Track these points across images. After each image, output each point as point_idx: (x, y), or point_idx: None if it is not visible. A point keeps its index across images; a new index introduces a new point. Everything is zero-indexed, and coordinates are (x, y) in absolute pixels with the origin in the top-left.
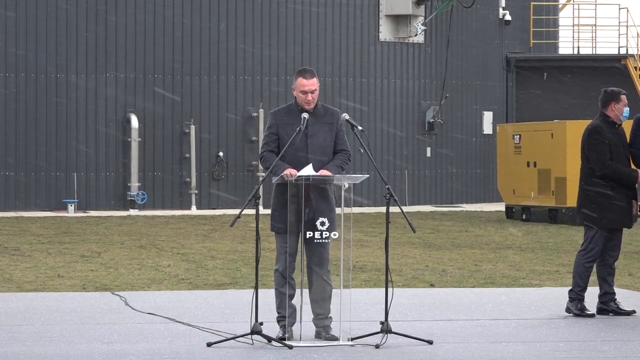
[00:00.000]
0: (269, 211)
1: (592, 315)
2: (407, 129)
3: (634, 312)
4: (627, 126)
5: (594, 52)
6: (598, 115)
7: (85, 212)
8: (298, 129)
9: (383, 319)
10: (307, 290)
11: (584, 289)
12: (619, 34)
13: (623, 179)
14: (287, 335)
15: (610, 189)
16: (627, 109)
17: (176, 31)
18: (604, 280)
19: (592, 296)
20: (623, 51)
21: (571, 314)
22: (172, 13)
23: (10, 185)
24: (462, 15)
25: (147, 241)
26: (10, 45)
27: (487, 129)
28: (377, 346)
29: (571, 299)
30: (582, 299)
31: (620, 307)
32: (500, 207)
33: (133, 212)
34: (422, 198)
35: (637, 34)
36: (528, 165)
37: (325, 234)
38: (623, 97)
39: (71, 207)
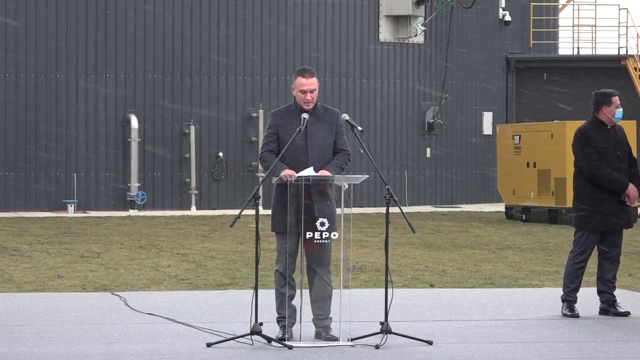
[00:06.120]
0: (268, 211)
1: (576, 316)
2: (407, 129)
3: (628, 313)
4: (626, 126)
5: (594, 53)
6: (590, 117)
7: (85, 213)
8: (298, 129)
9: (383, 320)
10: (307, 290)
11: (574, 290)
12: (619, 35)
13: (611, 183)
14: (287, 336)
15: (599, 191)
16: (620, 110)
17: (176, 31)
18: (600, 279)
19: (590, 297)
20: (623, 52)
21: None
22: (172, 13)
23: (10, 185)
24: (462, 16)
25: (147, 241)
26: (10, 45)
27: (487, 129)
28: (377, 346)
29: (561, 300)
30: (571, 300)
31: (618, 308)
32: (500, 207)
33: (133, 212)
34: (422, 198)
35: (637, 35)
36: (528, 165)
37: (325, 234)
38: (614, 99)
39: (71, 208)
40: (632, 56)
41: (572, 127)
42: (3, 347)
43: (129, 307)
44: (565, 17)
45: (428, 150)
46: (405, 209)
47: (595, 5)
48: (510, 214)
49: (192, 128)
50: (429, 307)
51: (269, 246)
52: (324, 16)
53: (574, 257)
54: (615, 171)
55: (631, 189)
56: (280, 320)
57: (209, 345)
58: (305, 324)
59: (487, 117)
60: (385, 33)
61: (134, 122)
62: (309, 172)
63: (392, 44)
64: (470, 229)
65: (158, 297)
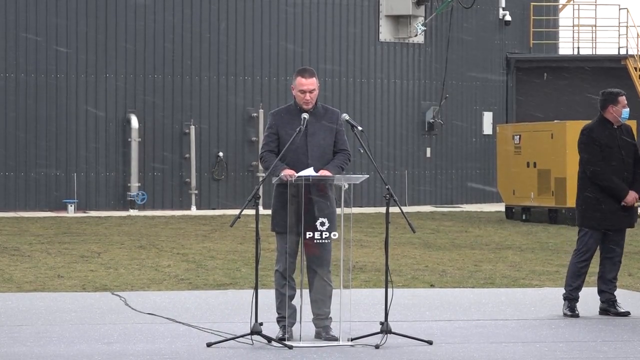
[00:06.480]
0: (268, 211)
1: (576, 316)
2: (407, 129)
3: (628, 313)
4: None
5: (594, 53)
6: (597, 116)
7: (85, 212)
8: (298, 129)
9: (383, 319)
10: (307, 290)
11: (576, 288)
12: (619, 35)
13: (611, 188)
14: (287, 336)
15: (600, 190)
16: (627, 109)
17: (176, 31)
18: (601, 279)
19: (590, 297)
20: (623, 51)
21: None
22: (172, 13)
23: (10, 185)
24: (462, 16)
25: (147, 241)
26: (10, 45)
27: (487, 129)
28: (377, 346)
29: (563, 298)
30: (573, 299)
31: (619, 308)
32: (500, 207)
33: (133, 212)
34: (422, 198)
35: (637, 35)
36: (528, 165)
37: (325, 234)
38: (621, 98)
39: (71, 207)
40: (632, 56)
41: (572, 127)
42: (3, 347)
43: (129, 307)
44: (565, 17)
45: (428, 150)
46: (405, 209)
47: (595, 5)
48: (510, 214)
49: (192, 128)
50: (429, 307)
51: (269, 246)
52: (324, 16)
53: (577, 256)
54: (618, 172)
55: (630, 198)
56: (280, 320)
57: (209, 345)
58: (305, 324)
59: (487, 117)
60: (385, 33)
61: (134, 122)
62: (309, 172)
63: (392, 44)
64: (470, 229)
65: (158, 297)
